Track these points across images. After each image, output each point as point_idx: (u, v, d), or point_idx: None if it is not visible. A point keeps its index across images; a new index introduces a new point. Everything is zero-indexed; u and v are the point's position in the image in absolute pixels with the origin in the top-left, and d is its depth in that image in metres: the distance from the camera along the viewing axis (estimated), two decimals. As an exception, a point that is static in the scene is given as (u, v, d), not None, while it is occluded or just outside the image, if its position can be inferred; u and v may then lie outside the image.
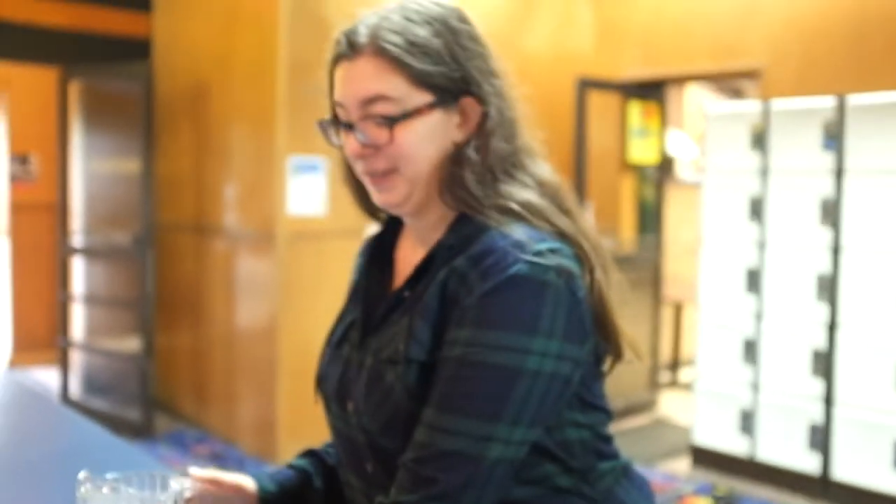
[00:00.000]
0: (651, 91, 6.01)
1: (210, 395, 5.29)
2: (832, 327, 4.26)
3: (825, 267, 4.27)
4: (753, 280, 4.54)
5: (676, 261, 7.07)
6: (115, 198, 5.59)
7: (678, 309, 6.70)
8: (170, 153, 5.49)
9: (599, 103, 5.75)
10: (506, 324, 1.06)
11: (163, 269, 5.44)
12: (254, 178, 4.87)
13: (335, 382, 1.23)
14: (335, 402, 1.23)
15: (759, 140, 4.53)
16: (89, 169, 5.71)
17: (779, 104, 4.53)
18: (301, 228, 4.74)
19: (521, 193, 1.16)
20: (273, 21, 4.65)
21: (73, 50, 5.69)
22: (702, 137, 5.04)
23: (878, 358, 4.09)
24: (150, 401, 5.13)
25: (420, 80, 1.13)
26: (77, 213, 5.73)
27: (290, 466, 1.38)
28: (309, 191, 4.74)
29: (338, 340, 1.27)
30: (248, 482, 1.29)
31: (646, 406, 5.94)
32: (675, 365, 6.77)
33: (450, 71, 1.15)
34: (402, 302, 1.18)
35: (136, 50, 5.72)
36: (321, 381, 1.28)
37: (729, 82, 8.31)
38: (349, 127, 1.16)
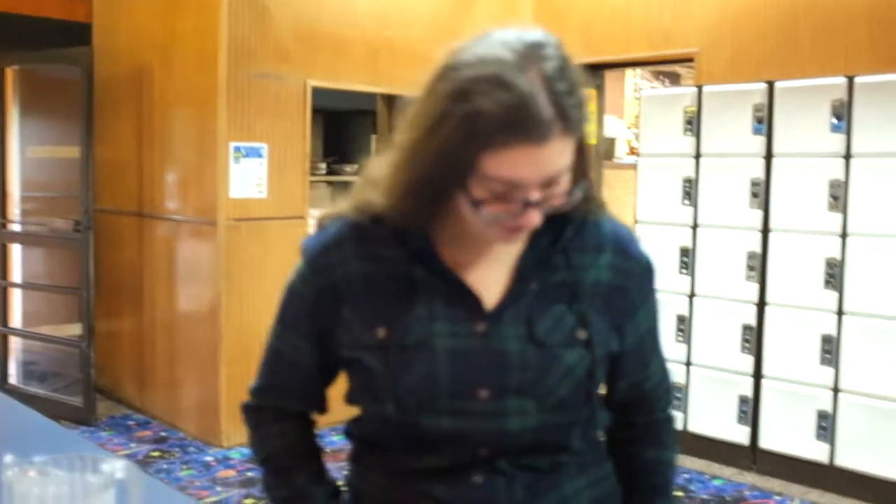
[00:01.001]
0: (589, 76, 6.08)
1: (152, 379, 5.30)
2: (761, 305, 4.40)
3: (755, 247, 4.41)
4: (686, 259, 4.67)
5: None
6: (55, 184, 5.55)
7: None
8: (111, 138, 5.46)
9: (539, 87, 5.81)
10: (654, 271, 1.37)
11: (104, 255, 5.42)
12: (196, 163, 4.87)
13: (450, 378, 1.19)
14: (449, 398, 1.19)
15: (692, 123, 4.64)
16: (28, 155, 5.66)
17: (711, 89, 4.64)
18: (243, 213, 4.76)
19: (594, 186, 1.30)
20: (215, 5, 4.64)
21: (11, 35, 5.62)
22: (638, 121, 5.14)
23: (804, 334, 4.24)
24: (92, 386, 5.12)
25: (581, 138, 1.13)
26: (16, 200, 5.68)
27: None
28: (251, 175, 4.76)
29: (423, 337, 1.20)
30: None
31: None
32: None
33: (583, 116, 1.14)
34: (529, 292, 1.23)
35: (76, 34, 5.67)
36: (410, 386, 1.19)
37: (668, 68, 8.45)
38: (528, 205, 1.11)
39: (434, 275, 1.22)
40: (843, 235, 4.12)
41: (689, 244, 4.66)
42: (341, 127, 7.01)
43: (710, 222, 4.59)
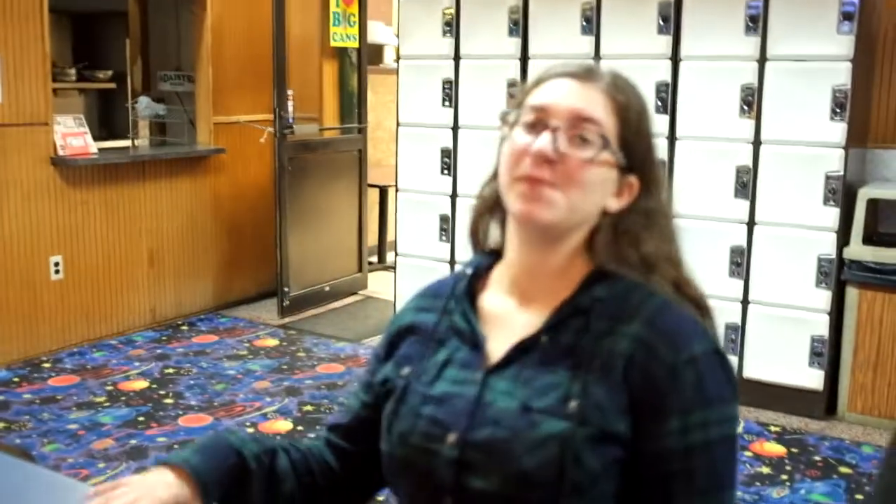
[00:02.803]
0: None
1: None
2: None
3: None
4: (447, 161, 4.75)
5: (384, 146, 7.23)
6: None
7: (383, 194, 6.88)
8: None
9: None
10: (722, 398, 1.12)
11: None
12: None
13: (430, 416, 1.18)
14: (424, 436, 1.18)
15: (451, 26, 4.68)
16: None
17: (469, -9, 4.68)
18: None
19: (665, 256, 1.20)
20: None
21: None
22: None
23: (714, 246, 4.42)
24: None
25: (622, 136, 1.17)
26: None
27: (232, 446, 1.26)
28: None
29: (431, 379, 1.22)
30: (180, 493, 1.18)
31: (356, 286, 6.13)
32: (381, 247, 6.99)
33: (642, 148, 1.19)
34: (537, 347, 1.16)
35: None
36: (399, 419, 1.22)
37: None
38: (548, 128, 1.15)
39: (464, 319, 1.24)
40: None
41: (449, 146, 4.74)
42: (91, 31, 6.56)
43: (469, 123, 4.67)
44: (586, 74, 1.18)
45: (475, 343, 1.21)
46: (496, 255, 1.28)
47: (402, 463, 1.20)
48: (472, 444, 1.13)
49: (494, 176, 1.24)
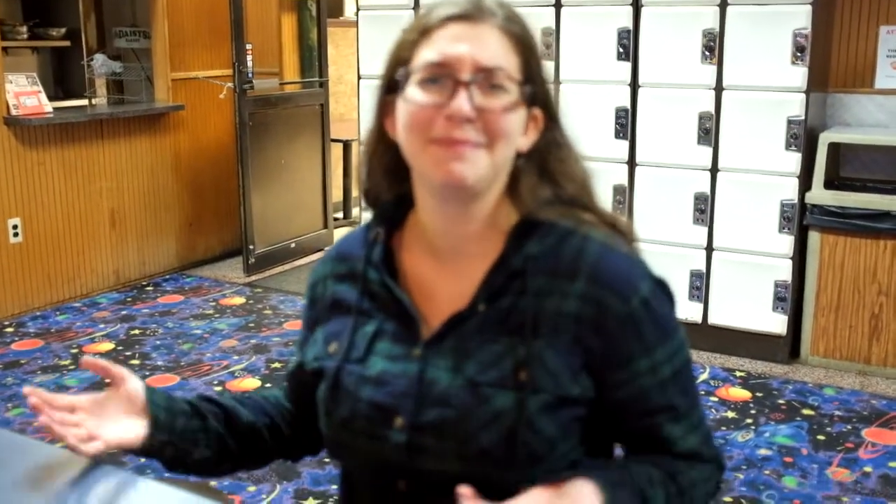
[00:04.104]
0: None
1: None
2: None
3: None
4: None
5: (346, 100, 7.15)
6: None
7: (347, 149, 6.82)
8: None
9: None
10: (675, 327, 1.14)
11: None
12: None
13: (371, 399, 1.13)
14: (368, 421, 1.12)
15: (410, -24, 4.62)
16: None
17: (427, -61, 4.61)
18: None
19: (582, 192, 1.18)
20: None
21: None
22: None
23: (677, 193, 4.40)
24: None
25: (525, 70, 1.10)
26: None
27: (187, 401, 1.28)
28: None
29: (362, 355, 1.16)
30: (136, 388, 1.23)
31: (321, 243, 6.10)
32: (346, 203, 6.95)
33: (541, 78, 1.13)
34: (475, 316, 1.11)
35: None
36: (337, 402, 1.16)
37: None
38: (458, 84, 1.05)
39: (387, 290, 1.16)
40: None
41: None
42: (42, -14, 6.39)
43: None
44: (476, 13, 1.09)
45: (404, 315, 1.15)
46: (401, 201, 1.20)
47: (348, 447, 1.17)
48: (422, 427, 1.09)
49: (380, 137, 1.18)
